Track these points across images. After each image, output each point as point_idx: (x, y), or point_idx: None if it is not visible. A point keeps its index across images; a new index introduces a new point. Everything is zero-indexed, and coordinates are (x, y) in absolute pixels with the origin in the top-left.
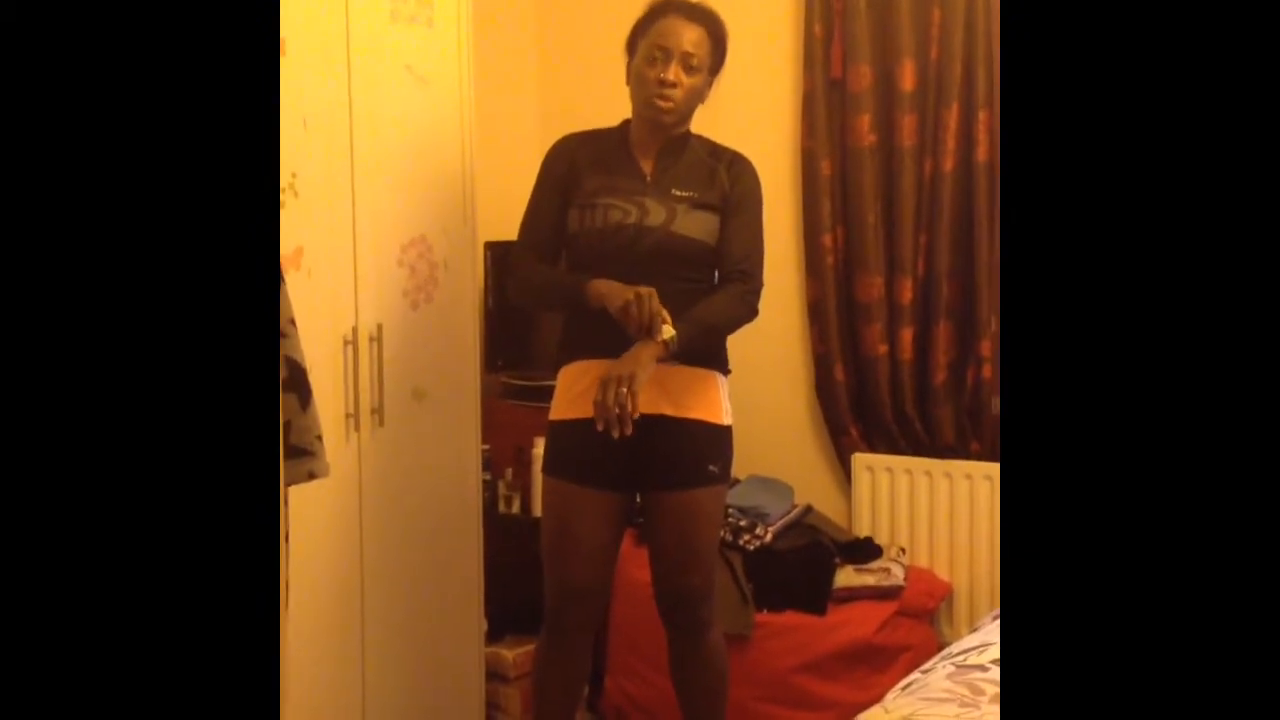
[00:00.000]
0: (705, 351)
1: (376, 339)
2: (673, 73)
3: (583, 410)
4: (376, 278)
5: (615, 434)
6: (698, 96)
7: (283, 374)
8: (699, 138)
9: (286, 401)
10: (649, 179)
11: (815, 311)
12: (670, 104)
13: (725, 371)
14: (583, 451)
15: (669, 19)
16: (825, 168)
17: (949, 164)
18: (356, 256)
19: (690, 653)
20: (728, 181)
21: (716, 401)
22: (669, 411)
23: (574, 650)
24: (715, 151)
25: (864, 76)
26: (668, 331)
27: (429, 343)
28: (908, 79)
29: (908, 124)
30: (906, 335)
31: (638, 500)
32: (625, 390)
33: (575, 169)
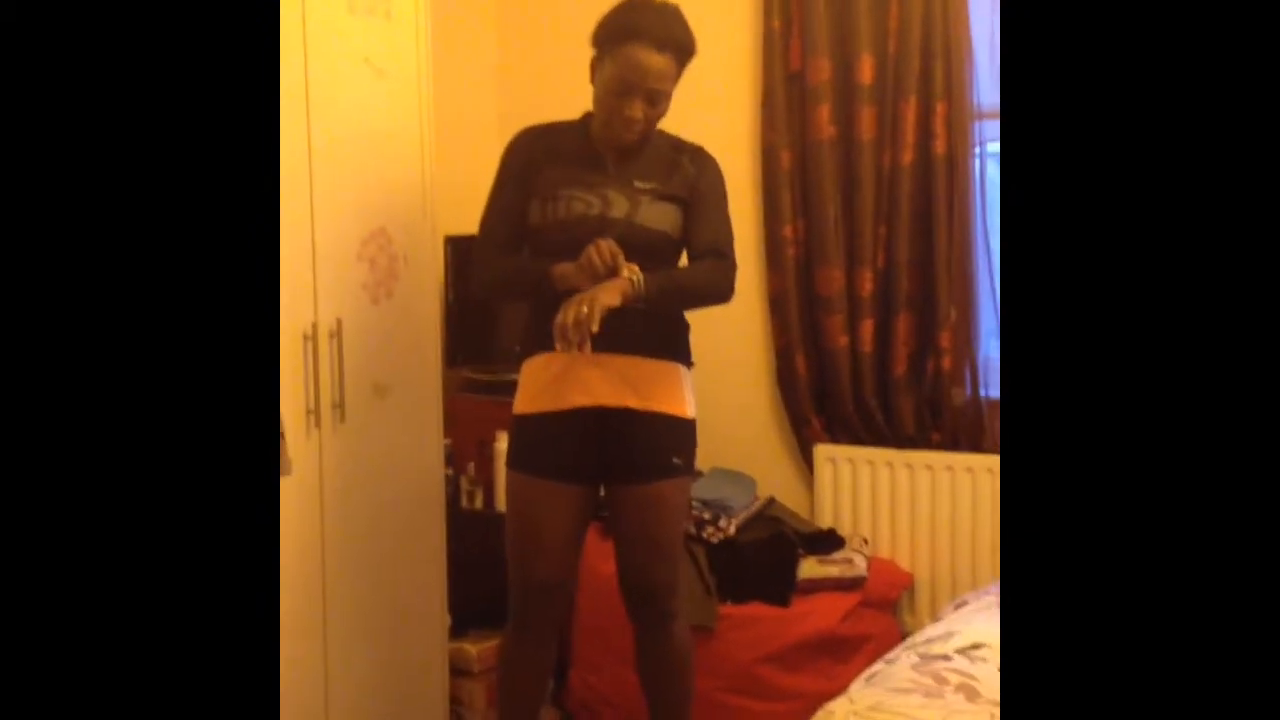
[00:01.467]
0: (669, 341)
1: (336, 334)
2: (638, 110)
3: (545, 403)
4: (336, 272)
5: (572, 351)
6: (660, 116)
7: None
8: (660, 132)
9: None
10: (611, 171)
11: (776, 304)
12: (634, 136)
13: (689, 364)
14: (547, 445)
15: (638, 48)
16: (785, 160)
17: (908, 156)
18: (315, 250)
19: (656, 645)
20: (693, 172)
21: (680, 394)
22: (633, 404)
23: (539, 645)
24: (677, 145)
25: (823, 70)
26: (635, 271)
27: (390, 338)
28: (866, 72)
29: (867, 117)
30: (867, 327)
31: (602, 494)
32: (585, 309)
33: (536, 161)
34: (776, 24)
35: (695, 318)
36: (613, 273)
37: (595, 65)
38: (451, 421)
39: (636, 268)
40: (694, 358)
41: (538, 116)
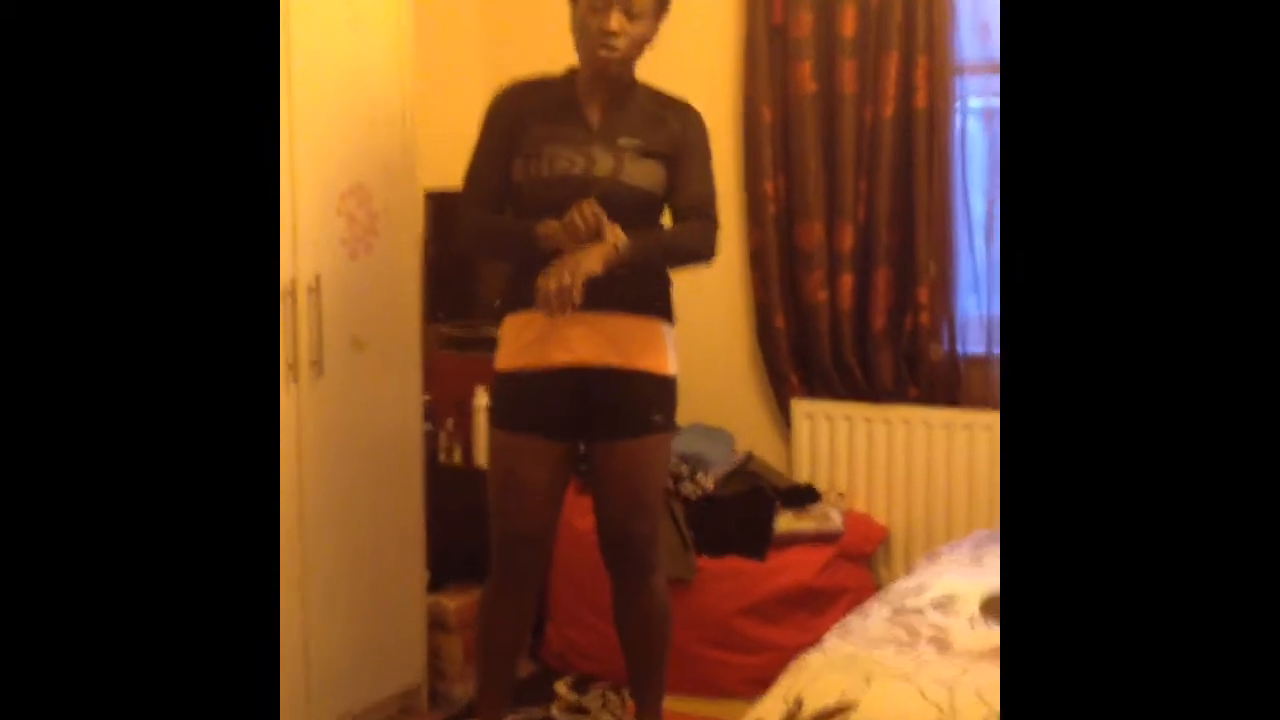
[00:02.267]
0: (651, 298)
1: (315, 289)
2: (615, 21)
3: (528, 361)
4: (314, 227)
5: (557, 315)
6: (643, 42)
7: None
8: (645, 87)
9: None
10: (595, 128)
11: (756, 259)
12: (615, 53)
13: (671, 321)
14: (529, 402)
15: None
16: (766, 115)
17: (889, 110)
18: (295, 205)
19: (635, 598)
20: (678, 128)
21: (663, 351)
22: (615, 362)
23: (519, 598)
24: (661, 100)
25: (805, 23)
26: (619, 233)
27: (369, 293)
28: (848, 25)
29: (848, 70)
30: (846, 282)
31: (581, 449)
32: (569, 278)
33: (520, 118)
34: None
35: (675, 274)
36: (596, 235)
37: (573, 16)
38: (431, 377)
39: (619, 230)
40: (676, 322)
41: (523, 69)
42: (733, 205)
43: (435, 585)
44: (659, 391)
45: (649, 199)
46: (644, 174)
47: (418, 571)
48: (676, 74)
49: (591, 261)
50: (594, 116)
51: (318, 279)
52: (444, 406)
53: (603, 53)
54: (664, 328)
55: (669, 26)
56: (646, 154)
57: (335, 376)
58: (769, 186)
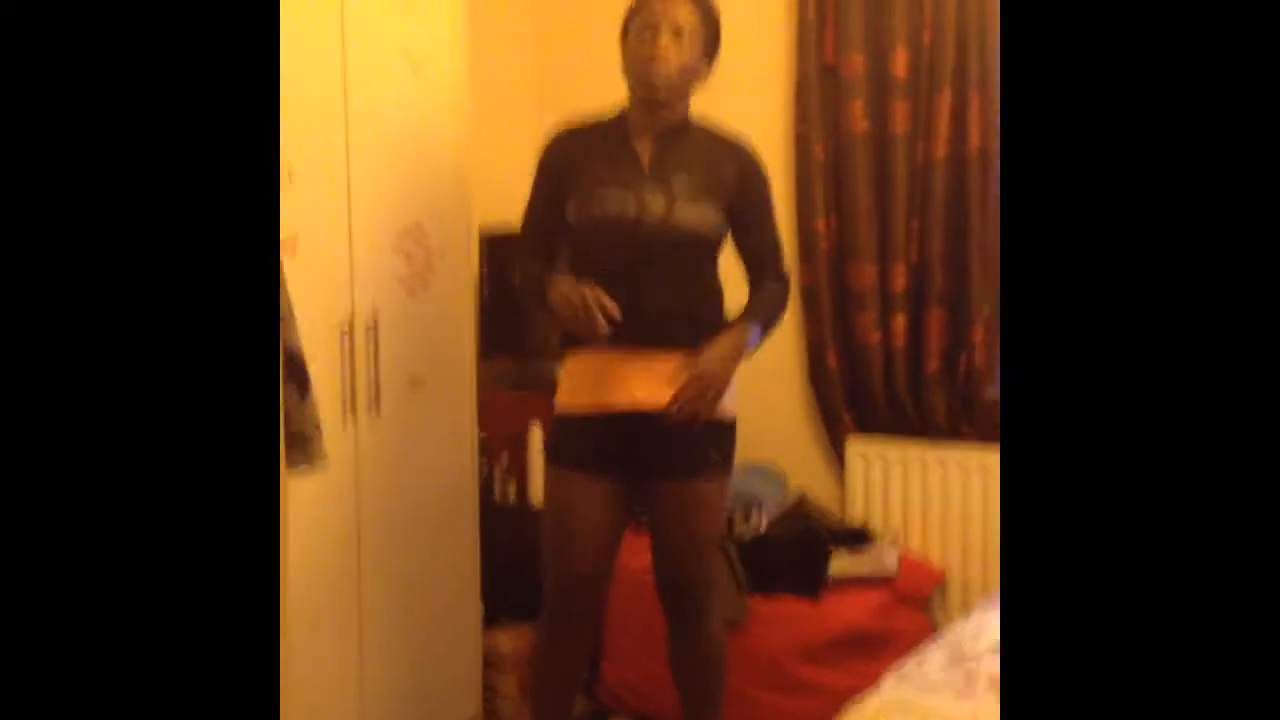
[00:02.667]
0: (708, 337)
1: (373, 327)
2: (662, 43)
3: (587, 401)
4: (373, 265)
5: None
6: (693, 74)
7: (282, 363)
8: (699, 125)
9: (285, 391)
10: (647, 168)
11: (808, 298)
12: (663, 76)
13: None
14: (587, 441)
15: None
16: (818, 153)
17: (941, 150)
18: (352, 244)
19: (689, 641)
20: (733, 174)
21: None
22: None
23: (575, 638)
24: (716, 139)
25: (857, 63)
26: (743, 335)
27: (425, 330)
28: (900, 65)
29: (900, 110)
30: (899, 322)
31: (638, 491)
32: (711, 395)
33: (571, 160)
34: (811, 16)
35: (727, 314)
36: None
37: (624, 38)
38: (485, 414)
39: (743, 330)
40: None
41: (574, 109)
42: (785, 243)
43: (490, 622)
44: (718, 433)
45: (701, 241)
46: (697, 215)
47: (473, 608)
48: (729, 112)
49: (727, 371)
50: (646, 155)
51: (375, 316)
52: (498, 444)
53: (652, 77)
54: None
55: (721, 65)
56: (700, 195)
57: (392, 414)
58: (820, 225)
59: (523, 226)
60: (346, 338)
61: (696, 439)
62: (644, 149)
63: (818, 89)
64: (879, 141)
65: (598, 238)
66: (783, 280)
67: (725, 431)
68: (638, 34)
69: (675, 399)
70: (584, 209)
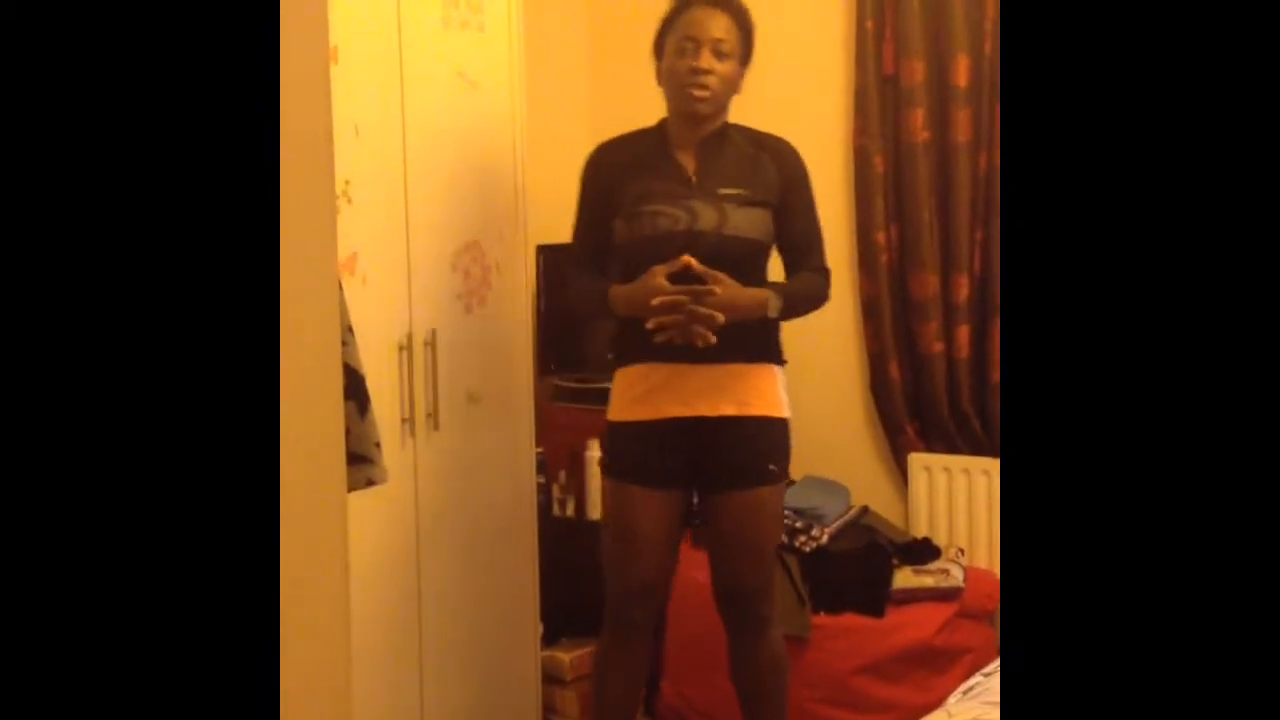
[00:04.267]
0: (761, 344)
1: (431, 344)
2: (705, 60)
3: (642, 413)
4: (430, 282)
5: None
6: (732, 85)
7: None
8: (737, 127)
9: (346, 409)
10: (693, 180)
11: (870, 309)
12: (706, 92)
13: (781, 363)
14: (643, 452)
15: (694, 10)
16: (878, 164)
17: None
18: (410, 262)
19: (751, 652)
20: (775, 171)
21: (775, 394)
22: (731, 411)
23: (635, 649)
24: (756, 139)
25: (917, 72)
26: (765, 293)
27: (483, 346)
28: (961, 74)
29: (962, 119)
30: (963, 333)
31: (695, 502)
32: (706, 305)
33: (615, 175)
34: (869, 25)
35: (788, 325)
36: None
37: (660, 68)
38: (543, 429)
39: (763, 290)
40: (787, 364)
41: (628, 125)
42: (844, 254)
43: (550, 639)
44: (774, 437)
45: (756, 248)
46: (749, 223)
47: (532, 624)
48: (787, 122)
49: (735, 303)
50: (690, 166)
51: (434, 333)
52: (557, 459)
53: (695, 91)
54: (776, 370)
55: (779, 75)
56: (749, 202)
57: (451, 430)
58: (881, 236)
59: (573, 243)
60: (405, 354)
61: (754, 447)
62: (687, 160)
63: (876, 99)
64: (940, 151)
65: (651, 255)
66: (823, 273)
67: (780, 432)
68: (677, 47)
69: (683, 293)
70: (633, 227)
